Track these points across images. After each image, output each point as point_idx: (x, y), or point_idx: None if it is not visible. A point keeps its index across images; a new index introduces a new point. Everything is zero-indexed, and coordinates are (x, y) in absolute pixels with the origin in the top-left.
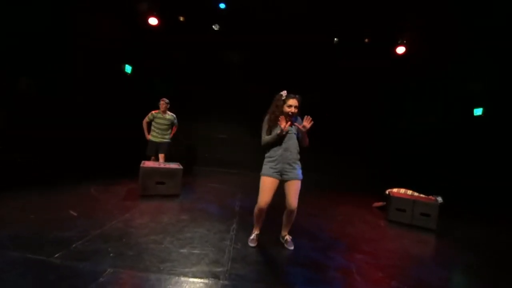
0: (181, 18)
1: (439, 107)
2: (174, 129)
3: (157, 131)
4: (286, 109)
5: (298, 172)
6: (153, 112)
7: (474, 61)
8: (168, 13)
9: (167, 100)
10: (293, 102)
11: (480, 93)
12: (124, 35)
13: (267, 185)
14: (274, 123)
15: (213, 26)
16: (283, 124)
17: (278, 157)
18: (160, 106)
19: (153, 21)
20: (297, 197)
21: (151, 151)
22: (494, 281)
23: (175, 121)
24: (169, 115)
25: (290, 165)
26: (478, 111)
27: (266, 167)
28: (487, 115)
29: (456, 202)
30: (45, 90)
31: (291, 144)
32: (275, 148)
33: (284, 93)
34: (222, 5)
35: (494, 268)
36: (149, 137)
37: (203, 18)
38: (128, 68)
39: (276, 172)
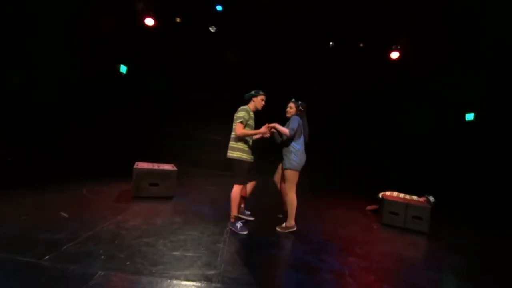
0: (178, 19)
1: (431, 112)
2: None
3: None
4: None
5: (285, 162)
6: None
7: (466, 67)
8: (164, 14)
9: None
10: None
11: (471, 98)
12: (121, 35)
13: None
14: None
15: (210, 28)
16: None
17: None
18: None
19: (149, 21)
20: (287, 183)
21: None
22: (482, 284)
23: None
24: None
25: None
26: (469, 116)
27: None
28: (478, 120)
29: (448, 206)
30: (37, 88)
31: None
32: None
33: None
34: (219, 7)
35: (482, 270)
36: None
37: (199, 19)
38: (123, 68)
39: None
